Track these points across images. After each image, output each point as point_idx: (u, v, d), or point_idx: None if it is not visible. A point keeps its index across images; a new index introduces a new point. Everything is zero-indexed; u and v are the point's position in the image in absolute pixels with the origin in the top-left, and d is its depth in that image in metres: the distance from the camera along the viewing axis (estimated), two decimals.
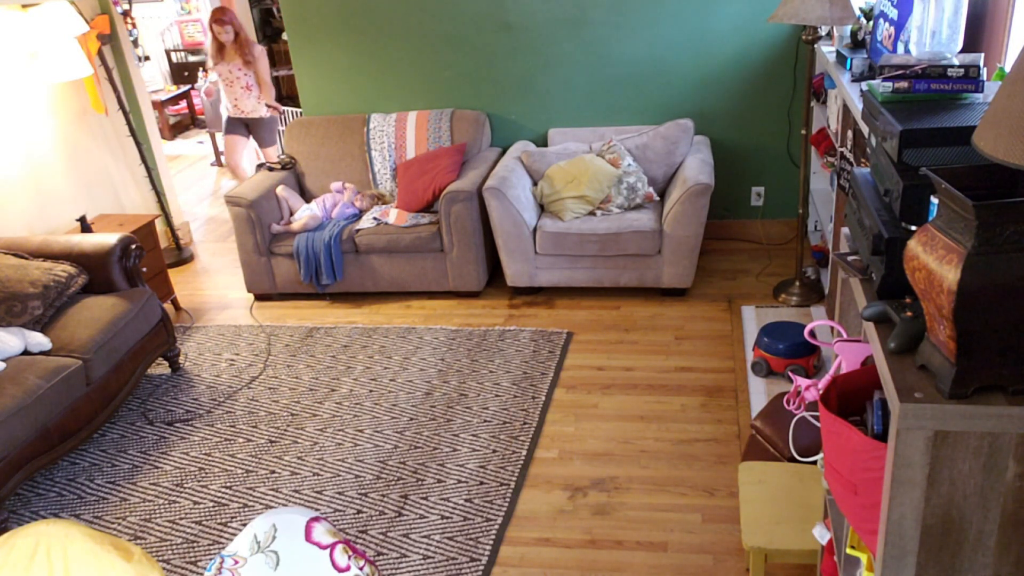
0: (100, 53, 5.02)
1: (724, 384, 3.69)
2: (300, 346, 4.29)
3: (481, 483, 3.19)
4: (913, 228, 1.51)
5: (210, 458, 3.49)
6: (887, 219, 1.57)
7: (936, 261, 1.22)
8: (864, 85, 1.97)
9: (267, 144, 6.04)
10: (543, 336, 4.18)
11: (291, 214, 4.83)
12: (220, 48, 5.60)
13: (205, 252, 5.75)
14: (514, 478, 3.20)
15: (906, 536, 1.35)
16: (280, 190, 4.82)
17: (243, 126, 5.92)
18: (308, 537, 1.90)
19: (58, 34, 4.57)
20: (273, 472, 3.37)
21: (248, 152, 6.09)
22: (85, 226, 4.45)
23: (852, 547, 1.75)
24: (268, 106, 5.83)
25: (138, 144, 5.25)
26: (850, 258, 1.72)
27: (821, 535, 2.07)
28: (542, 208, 4.55)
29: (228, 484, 3.32)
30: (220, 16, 5.50)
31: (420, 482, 3.23)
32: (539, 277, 4.50)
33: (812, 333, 1.92)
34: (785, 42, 4.63)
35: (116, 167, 5.29)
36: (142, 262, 4.33)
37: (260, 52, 5.74)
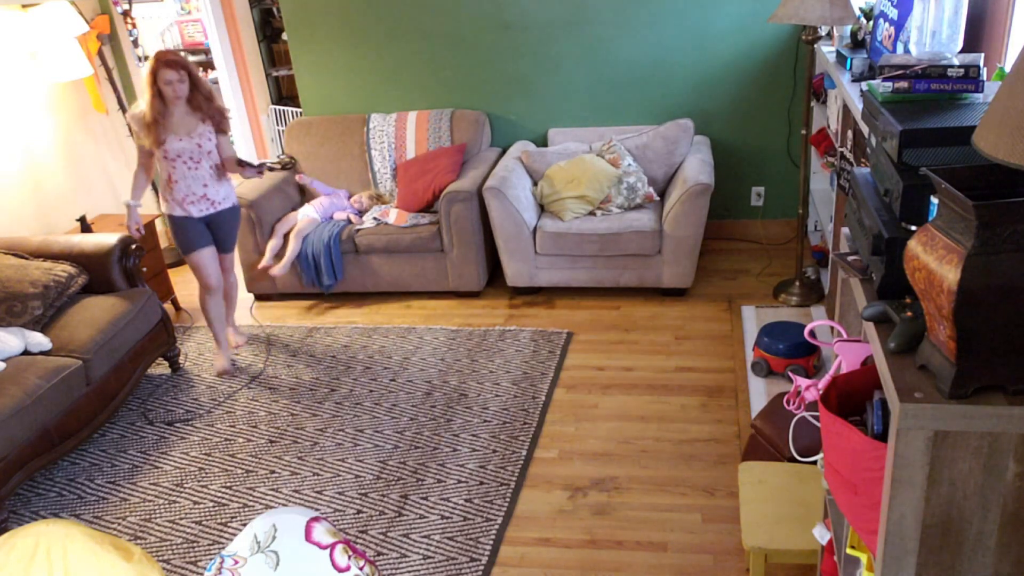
0: (100, 53, 5.02)
1: (724, 384, 3.69)
2: (300, 346, 4.29)
3: (481, 483, 3.19)
4: (913, 228, 1.51)
5: (210, 458, 3.49)
6: (887, 219, 1.57)
7: (936, 261, 1.22)
8: (864, 85, 1.97)
9: (231, 246, 4.09)
10: (543, 336, 4.18)
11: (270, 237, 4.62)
12: (163, 110, 3.66)
13: None
14: (514, 478, 3.20)
15: (906, 536, 1.35)
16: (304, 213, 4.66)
17: (206, 229, 3.94)
18: (308, 537, 1.90)
19: (58, 34, 4.58)
20: (273, 472, 3.37)
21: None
22: (85, 226, 4.45)
23: (852, 547, 1.75)
24: (263, 167, 3.97)
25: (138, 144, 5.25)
26: (850, 258, 1.72)
27: (821, 535, 2.07)
28: (542, 208, 4.55)
29: (228, 484, 3.32)
30: (174, 59, 3.64)
31: (420, 482, 3.23)
32: (539, 277, 4.50)
33: (812, 333, 1.92)
34: (785, 42, 4.63)
35: (116, 167, 5.29)
36: (142, 262, 4.33)
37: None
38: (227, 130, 3.87)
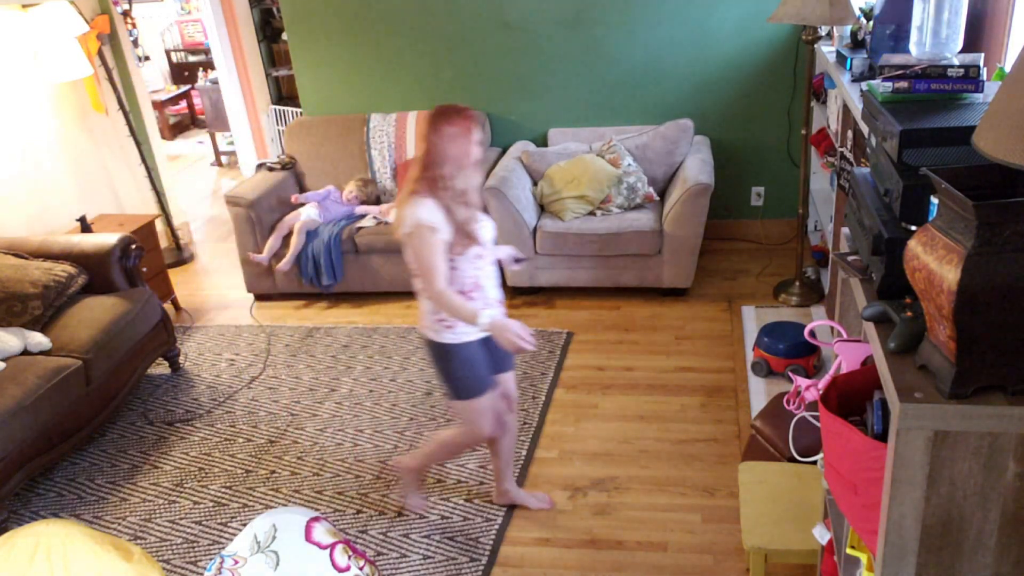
0: (100, 53, 5.02)
1: (724, 384, 3.69)
2: (300, 346, 4.29)
3: (481, 483, 3.19)
4: (913, 228, 1.51)
5: (210, 458, 3.49)
6: (887, 219, 1.57)
7: (936, 261, 1.22)
8: (864, 85, 1.97)
9: (513, 360, 2.96)
10: (543, 336, 4.18)
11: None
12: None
13: (205, 252, 5.75)
14: (514, 478, 3.19)
15: (906, 536, 1.35)
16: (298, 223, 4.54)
17: None
18: (308, 537, 1.90)
19: (58, 34, 4.57)
20: (273, 472, 3.37)
21: None
22: (85, 226, 4.44)
23: (852, 547, 1.75)
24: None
25: (138, 144, 5.25)
26: (850, 258, 1.72)
27: (821, 535, 2.07)
28: (542, 208, 4.54)
29: (228, 484, 3.32)
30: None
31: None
32: (539, 277, 4.50)
33: (812, 333, 1.92)
34: (785, 42, 4.63)
35: (116, 167, 5.29)
36: (142, 262, 4.32)
37: None
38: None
